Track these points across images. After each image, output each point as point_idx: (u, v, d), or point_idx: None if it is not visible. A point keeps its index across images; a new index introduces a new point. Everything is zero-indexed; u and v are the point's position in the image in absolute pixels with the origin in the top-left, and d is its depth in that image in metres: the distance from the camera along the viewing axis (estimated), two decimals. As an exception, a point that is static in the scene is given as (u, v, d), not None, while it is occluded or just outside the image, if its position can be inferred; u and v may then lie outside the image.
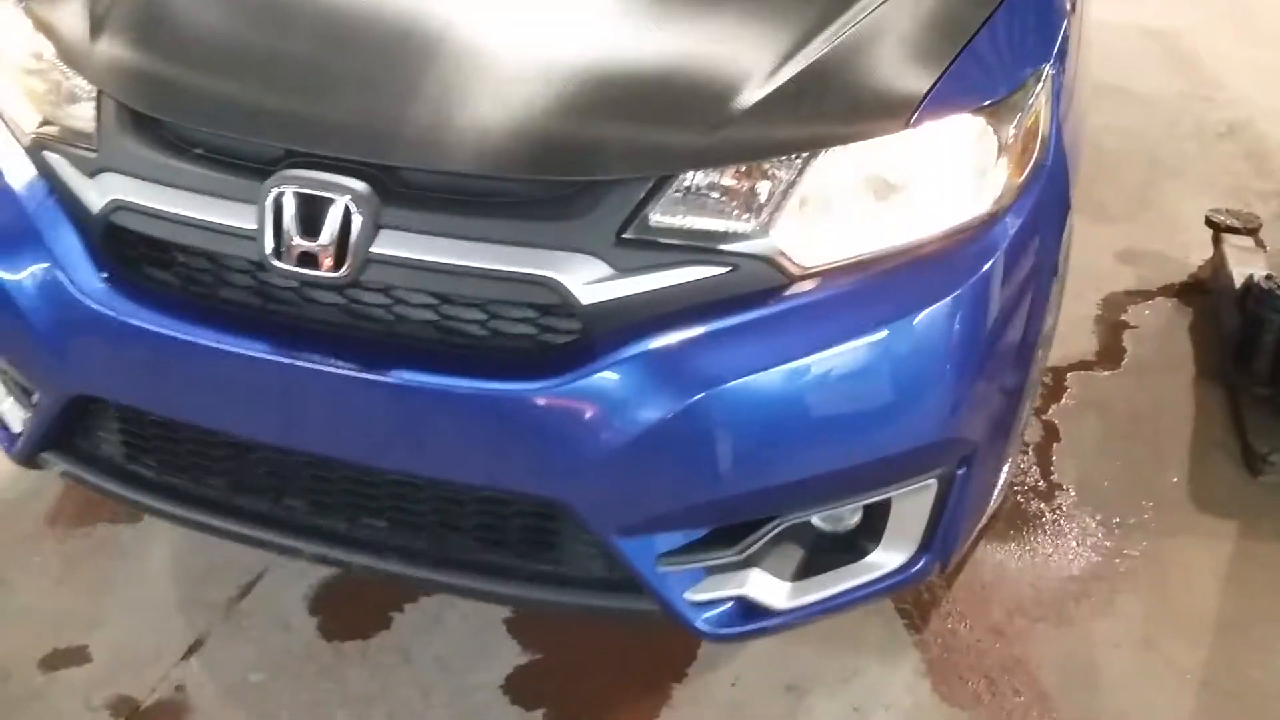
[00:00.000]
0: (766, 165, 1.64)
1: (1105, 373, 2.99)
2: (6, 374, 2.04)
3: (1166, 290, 3.35)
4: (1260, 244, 3.35)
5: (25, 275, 1.81)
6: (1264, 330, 2.82)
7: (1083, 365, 3.01)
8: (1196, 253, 3.47)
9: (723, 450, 1.63)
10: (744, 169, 1.64)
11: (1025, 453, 2.68)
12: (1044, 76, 1.86)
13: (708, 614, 1.77)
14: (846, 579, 1.82)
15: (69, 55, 1.89)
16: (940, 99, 1.69)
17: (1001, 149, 1.74)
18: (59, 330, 1.81)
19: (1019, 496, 2.56)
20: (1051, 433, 2.75)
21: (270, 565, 2.31)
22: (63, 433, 1.98)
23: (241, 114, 1.75)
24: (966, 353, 1.69)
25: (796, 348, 1.62)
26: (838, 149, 1.65)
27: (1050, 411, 2.82)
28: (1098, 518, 2.52)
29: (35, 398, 1.97)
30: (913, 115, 1.67)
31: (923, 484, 1.77)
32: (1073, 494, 2.58)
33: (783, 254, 1.63)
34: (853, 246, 1.66)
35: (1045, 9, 2.01)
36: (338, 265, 1.64)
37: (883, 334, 1.64)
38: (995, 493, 2.03)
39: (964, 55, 1.75)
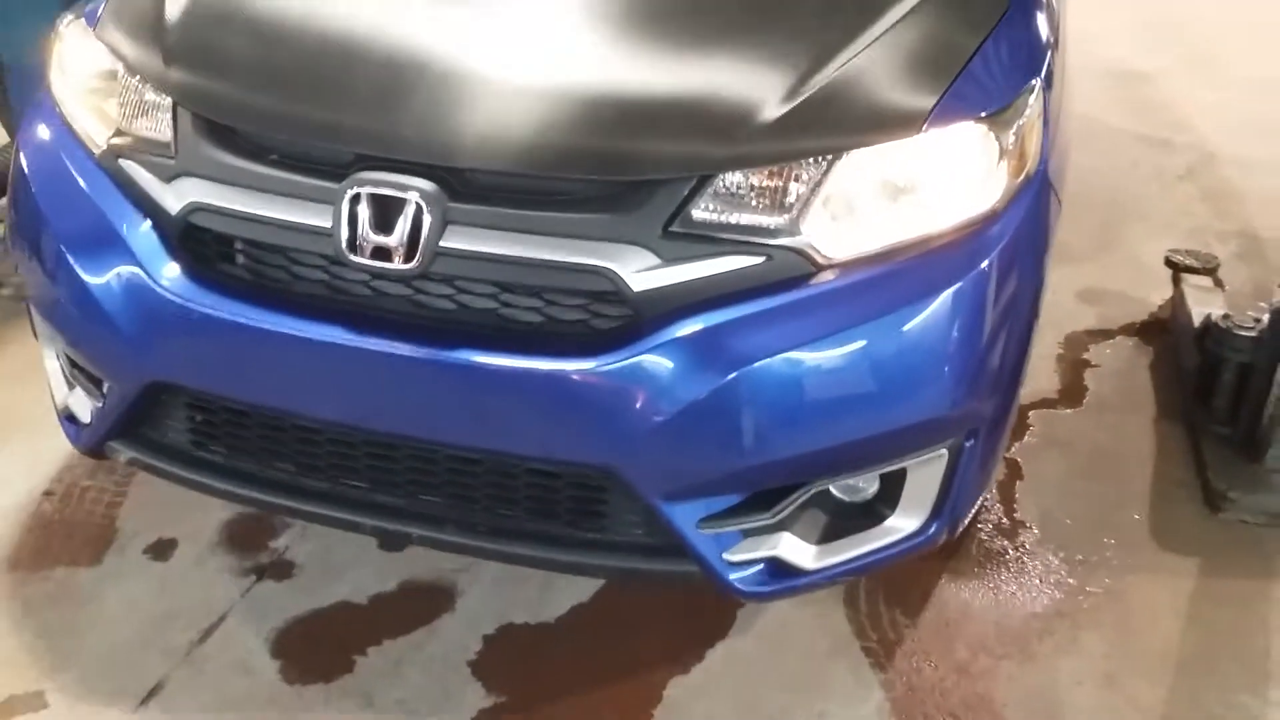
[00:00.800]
0: (795, 167, 1.84)
1: (1067, 411, 3.02)
2: (76, 367, 2.17)
3: (1127, 329, 3.39)
4: (1219, 283, 3.41)
5: (107, 273, 1.97)
6: (1222, 369, 2.85)
7: (1045, 403, 3.03)
8: (1157, 292, 3.52)
9: (758, 420, 1.81)
10: (776, 170, 1.83)
11: (988, 492, 2.69)
12: (1035, 92, 2.06)
13: (742, 574, 1.94)
14: (867, 542, 2.00)
15: (145, 72, 2.03)
16: (947, 108, 1.91)
17: (1002, 153, 1.94)
18: (140, 322, 1.94)
19: (983, 534, 2.57)
20: (1014, 471, 2.77)
21: (233, 607, 2.30)
22: (132, 422, 2.10)
23: (318, 123, 1.91)
24: (974, 332, 1.89)
25: (824, 329, 1.81)
26: (858, 153, 1.85)
27: (1013, 450, 2.84)
28: (1060, 555, 2.53)
29: (106, 387, 2.09)
30: (924, 123, 1.88)
31: (935, 454, 1.95)
32: (1036, 532, 2.59)
33: (811, 246, 1.83)
34: (873, 239, 1.85)
35: (1033, 38, 2.20)
36: (409, 259, 1.81)
37: (901, 316, 1.84)
38: (997, 464, 2.18)
39: (966, 72, 1.98)
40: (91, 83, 2.14)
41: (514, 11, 2.05)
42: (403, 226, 1.80)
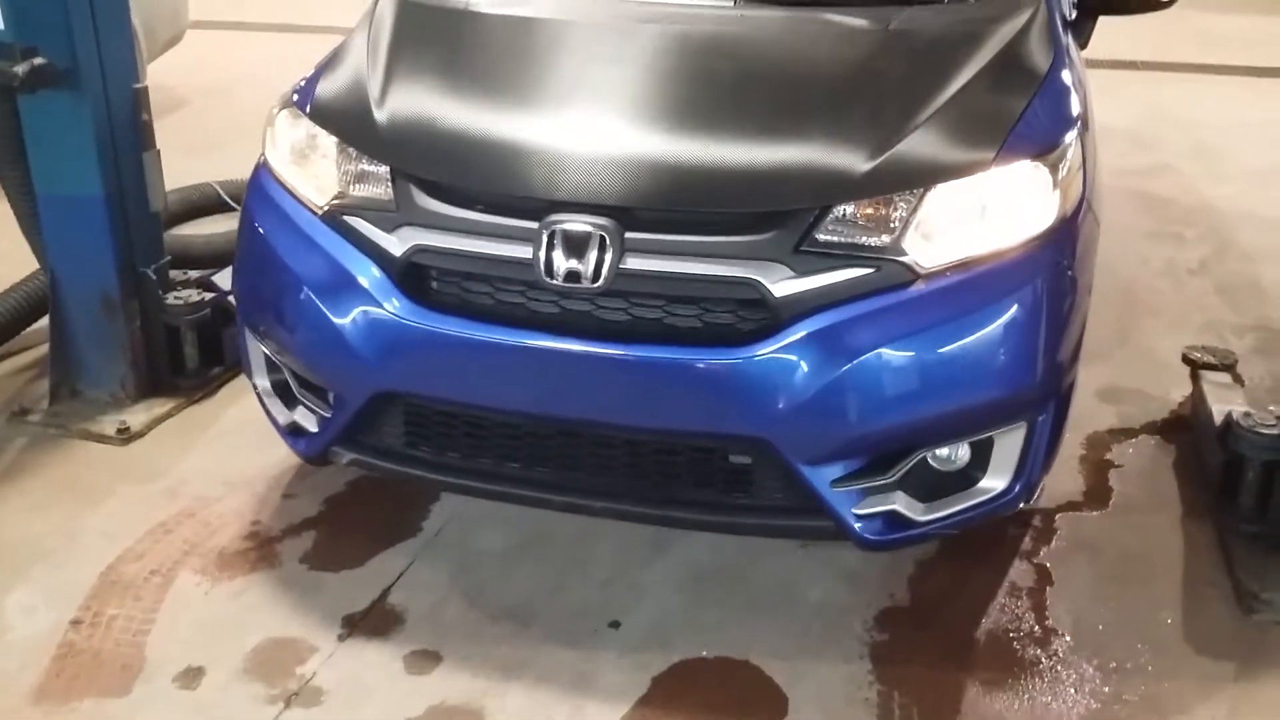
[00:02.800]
0: (895, 198, 2.34)
1: (1094, 513, 3.00)
2: (306, 387, 2.63)
3: (1149, 428, 3.38)
4: (1238, 379, 3.40)
5: (341, 303, 2.43)
6: (1246, 467, 2.85)
7: (1071, 506, 3.02)
8: (1176, 389, 3.52)
9: (877, 394, 2.28)
10: (880, 201, 2.34)
11: (1019, 598, 2.67)
12: (1074, 139, 2.59)
13: (867, 525, 2.36)
14: (964, 500, 2.43)
15: (362, 147, 2.56)
16: (1008, 151, 2.44)
17: (1055, 185, 2.45)
18: (373, 342, 2.41)
19: (1015, 643, 2.55)
20: (1044, 577, 2.75)
21: (260, 737, 2.28)
22: (355, 429, 2.55)
23: (520, 179, 2.43)
24: (1043, 323, 2.37)
25: (923, 323, 2.29)
26: (942, 186, 2.36)
27: (1041, 555, 2.82)
28: (1094, 662, 2.50)
29: (334, 400, 2.54)
30: (991, 163, 2.41)
31: (1016, 425, 2.39)
32: (1068, 639, 2.56)
33: (910, 259, 2.30)
34: (959, 252, 2.33)
35: (1067, 100, 2.73)
36: (595, 279, 2.29)
37: (984, 312, 2.32)
38: (1061, 440, 2.56)
39: (1019, 124, 2.52)
40: (301, 156, 2.66)
41: (666, 88, 2.65)
42: (591, 255, 2.27)
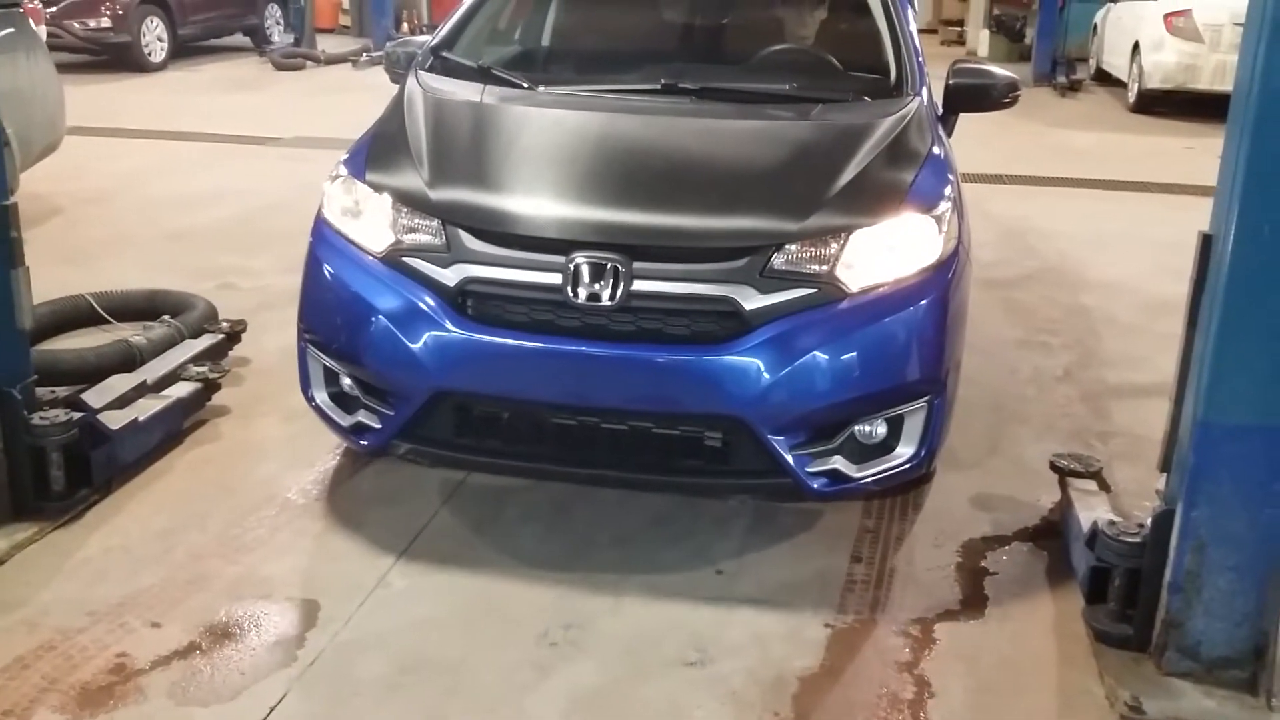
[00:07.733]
0: (828, 239, 3.12)
1: (970, 622, 3.05)
2: (369, 393, 3.25)
3: (1021, 534, 3.47)
4: (1104, 485, 3.52)
5: (408, 325, 3.09)
6: (1113, 574, 2.93)
7: (949, 615, 3.07)
8: (1046, 495, 3.63)
9: (822, 381, 3.02)
10: (818, 241, 3.11)
11: (900, 710, 2.70)
12: (950, 202, 3.39)
13: (816, 481, 3.09)
14: (884, 464, 3.18)
15: (415, 205, 3.25)
16: (905, 206, 3.27)
17: (939, 232, 3.27)
18: (433, 352, 3.07)
19: (897, 758, 2.56)
20: (923, 687, 2.78)
21: None
22: (412, 424, 3.16)
23: (550, 226, 3.16)
24: (934, 328, 3.16)
25: (852, 328, 3.05)
26: (861, 231, 3.15)
27: (921, 665, 2.85)
28: (974, 776, 2.52)
29: (395, 402, 3.17)
30: (894, 214, 3.23)
31: (919, 405, 3.16)
32: (949, 752, 2.58)
33: (841, 282, 3.08)
34: (874, 278, 3.11)
35: (942, 176, 3.52)
36: (611, 299, 3.01)
37: (895, 320, 3.11)
38: (950, 418, 3.30)
39: (911, 190, 3.35)
40: (354, 213, 3.35)
41: (654, 158, 3.56)
42: (608, 281, 2.99)
